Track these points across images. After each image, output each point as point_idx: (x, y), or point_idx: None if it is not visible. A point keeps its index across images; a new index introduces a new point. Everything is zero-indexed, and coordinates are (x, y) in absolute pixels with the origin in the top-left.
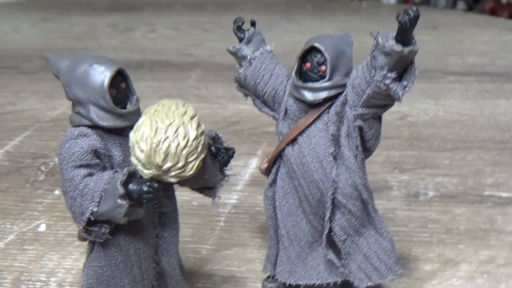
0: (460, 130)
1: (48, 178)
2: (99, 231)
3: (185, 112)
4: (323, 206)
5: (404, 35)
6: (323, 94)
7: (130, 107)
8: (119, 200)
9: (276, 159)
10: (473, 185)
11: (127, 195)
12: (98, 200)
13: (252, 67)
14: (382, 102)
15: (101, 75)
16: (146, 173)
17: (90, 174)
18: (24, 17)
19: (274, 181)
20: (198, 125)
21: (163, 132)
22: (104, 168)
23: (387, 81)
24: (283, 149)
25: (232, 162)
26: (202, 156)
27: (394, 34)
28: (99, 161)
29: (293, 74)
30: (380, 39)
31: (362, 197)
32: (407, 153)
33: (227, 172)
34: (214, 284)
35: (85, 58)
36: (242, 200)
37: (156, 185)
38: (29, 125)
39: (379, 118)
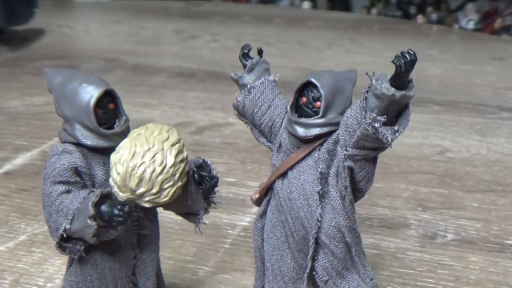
0: (498, 171)
1: None
2: (73, 248)
3: (167, 138)
4: (307, 244)
5: (399, 79)
6: (315, 131)
7: (116, 128)
8: (88, 221)
9: (268, 191)
10: (496, 232)
11: (99, 216)
12: (71, 218)
13: (251, 96)
14: (372, 144)
15: (88, 94)
16: (121, 196)
17: (68, 191)
18: (97, 17)
19: (264, 213)
20: (179, 152)
21: (140, 157)
22: (84, 186)
23: (376, 125)
24: (274, 182)
25: (254, 183)
26: (180, 184)
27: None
28: (79, 179)
29: (288, 107)
30: (374, 81)
31: (345, 239)
32: (435, 190)
33: (215, 200)
34: None
35: (76, 76)
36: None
37: (126, 209)
38: None
39: (373, 160)
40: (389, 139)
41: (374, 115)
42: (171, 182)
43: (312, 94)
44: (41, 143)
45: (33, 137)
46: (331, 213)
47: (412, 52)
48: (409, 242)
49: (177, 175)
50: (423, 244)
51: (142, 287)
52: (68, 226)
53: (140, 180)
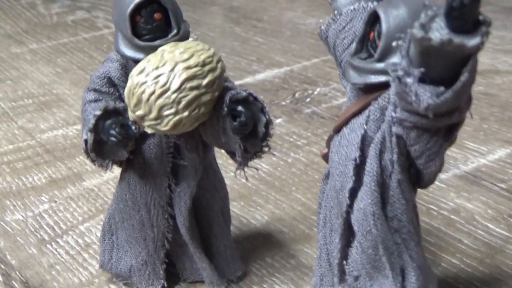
0: None
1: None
2: (101, 160)
3: (185, 60)
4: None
5: (451, 17)
6: (368, 78)
7: (156, 41)
8: (88, 133)
9: None
10: None
11: (103, 131)
12: (86, 128)
13: (336, 25)
14: (414, 108)
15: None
16: (129, 114)
17: (96, 101)
18: None
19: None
20: (191, 78)
21: (144, 75)
22: (118, 98)
23: (408, 80)
24: (332, 137)
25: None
26: (186, 114)
27: None
28: (113, 90)
29: (354, 43)
30: (423, 14)
31: (371, 230)
32: None
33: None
34: (282, 265)
35: None
36: None
37: (118, 129)
38: None
39: (443, 134)
40: (425, 103)
41: (405, 64)
42: (173, 110)
43: (379, 29)
44: (295, 61)
45: (294, 55)
46: (361, 192)
47: None
48: None
49: (183, 103)
50: None
51: (177, 221)
52: (85, 136)
53: (139, 100)
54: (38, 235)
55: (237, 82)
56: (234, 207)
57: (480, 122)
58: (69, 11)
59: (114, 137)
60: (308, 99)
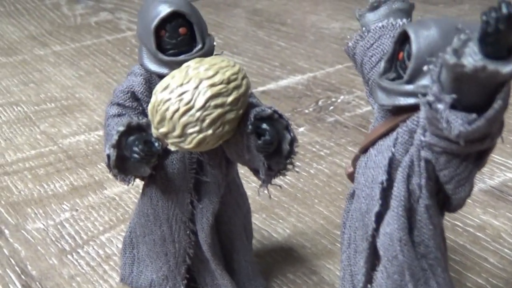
0: None
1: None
2: (123, 176)
3: (210, 77)
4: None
5: (486, 42)
6: (396, 100)
7: (181, 56)
8: (112, 149)
9: None
10: None
11: (125, 147)
12: (109, 144)
13: (363, 42)
14: (444, 134)
15: (154, 14)
16: (152, 131)
17: (119, 115)
18: None
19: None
20: (216, 96)
21: (168, 92)
22: (141, 113)
23: (439, 106)
24: (359, 157)
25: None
26: (210, 132)
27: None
28: (137, 104)
29: (382, 62)
30: (455, 39)
31: (397, 256)
32: None
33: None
34: (304, 282)
35: None
36: None
37: (141, 147)
38: None
39: (473, 160)
40: (457, 130)
41: (436, 90)
42: (197, 128)
43: (408, 50)
44: (318, 68)
45: (318, 61)
46: (388, 216)
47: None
48: None
49: (207, 121)
50: None
51: (199, 237)
52: (108, 152)
53: (162, 118)
54: (59, 245)
55: (260, 88)
56: (256, 219)
57: (507, 134)
58: (92, 12)
59: (137, 154)
60: (332, 107)
